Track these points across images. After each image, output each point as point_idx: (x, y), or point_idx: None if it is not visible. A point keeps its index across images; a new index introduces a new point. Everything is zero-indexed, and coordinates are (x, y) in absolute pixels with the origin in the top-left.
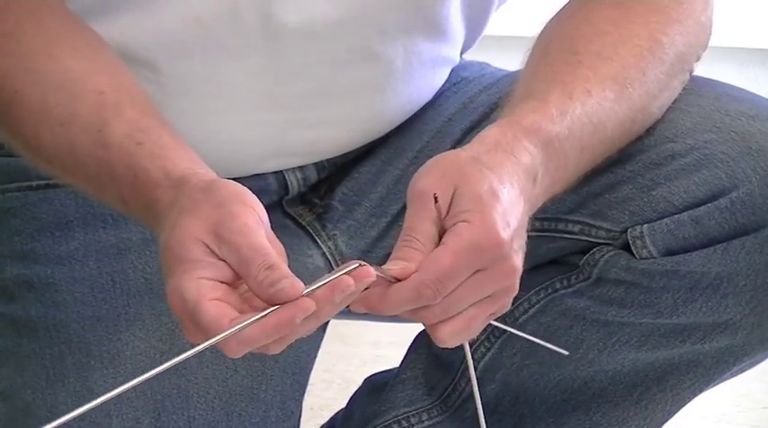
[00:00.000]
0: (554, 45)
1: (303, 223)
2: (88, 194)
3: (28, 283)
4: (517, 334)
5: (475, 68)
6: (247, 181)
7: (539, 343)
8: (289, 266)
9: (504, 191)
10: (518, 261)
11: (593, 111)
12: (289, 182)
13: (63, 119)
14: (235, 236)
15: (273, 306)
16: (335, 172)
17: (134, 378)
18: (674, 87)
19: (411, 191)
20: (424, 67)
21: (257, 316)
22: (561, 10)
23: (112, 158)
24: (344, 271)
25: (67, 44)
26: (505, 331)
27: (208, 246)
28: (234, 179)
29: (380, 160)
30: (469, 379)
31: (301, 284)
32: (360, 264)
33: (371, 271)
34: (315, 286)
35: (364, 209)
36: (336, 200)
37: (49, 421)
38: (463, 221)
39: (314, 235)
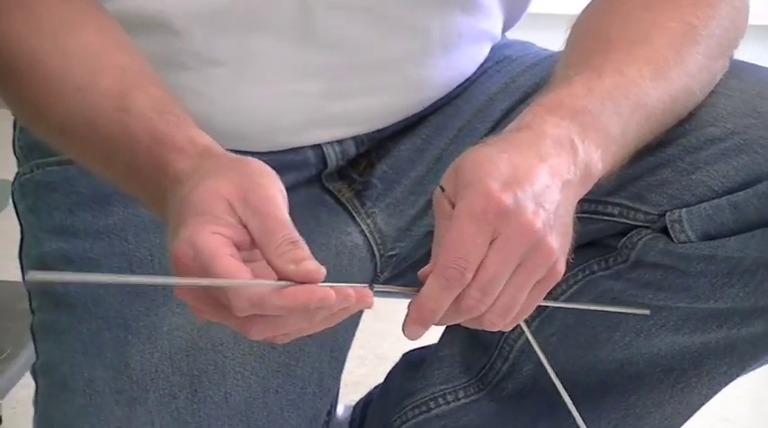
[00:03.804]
0: (587, 35)
1: (342, 199)
2: (91, 164)
3: (67, 258)
4: (583, 308)
5: (518, 47)
6: (286, 154)
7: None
8: (328, 243)
9: (504, 158)
10: (534, 218)
11: (628, 88)
12: (327, 156)
13: (81, 85)
14: (263, 203)
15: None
16: (375, 147)
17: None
18: (714, 70)
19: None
20: (462, 41)
21: (277, 282)
22: (592, 1)
23: (132, 122)
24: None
25: (90, 20)
26: (543, 310)
27: (232, 207)
28: (272, 153)
29: (421, 138)
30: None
31: (324, 270)
32: (368, 285)
33: (369, 293)
34: (327, 284)
35: (403, 188)
36: (376, 178)
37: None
38: (461, 199)
39: (353, 212)
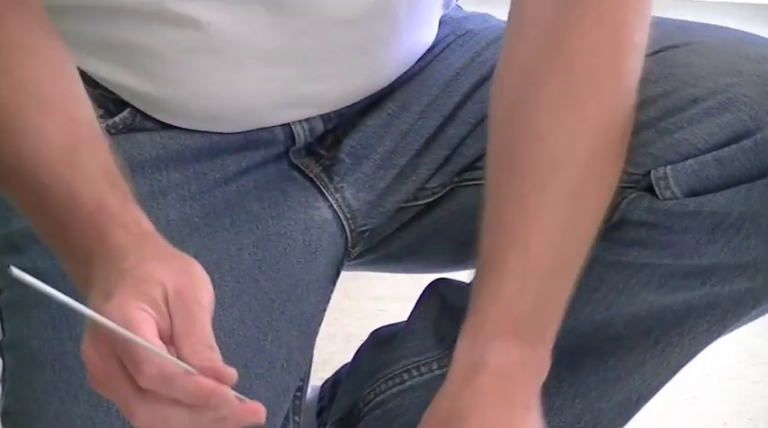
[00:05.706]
0: (502, 159)
1: (310, 175)
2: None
3: (34, 235)
4: None
5: (478, 20)
6: (254, 133)
7: None
8: (296, 218)
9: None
10: None
11: (561, 261)
12: (295, 133)
13: (29, 128)
14: (194, 306)
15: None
16: (341, 123)
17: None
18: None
19: None
20: (422, 13)
21: (191, 367)
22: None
23: (78, 183)
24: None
25: (49, 55)
26: None
27: (166, 296)
28: (241, 133)
29: (387, 113)
30: None
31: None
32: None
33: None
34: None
35: (372, 162)
36: (344, 153)
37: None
38: None
39: (321, 187)
